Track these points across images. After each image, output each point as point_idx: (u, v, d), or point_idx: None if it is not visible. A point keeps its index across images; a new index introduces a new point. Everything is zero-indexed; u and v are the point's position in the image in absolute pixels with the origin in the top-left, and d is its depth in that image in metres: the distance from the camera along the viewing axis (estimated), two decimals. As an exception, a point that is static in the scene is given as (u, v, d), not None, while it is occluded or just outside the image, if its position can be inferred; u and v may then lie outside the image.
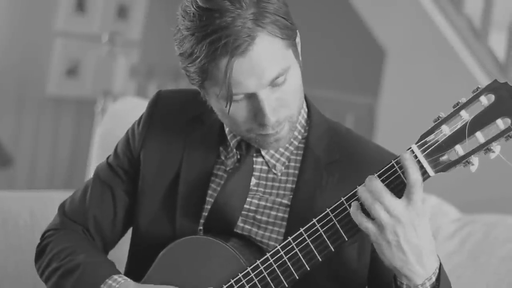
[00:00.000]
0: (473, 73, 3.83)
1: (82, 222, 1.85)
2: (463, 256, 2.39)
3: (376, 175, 1.56)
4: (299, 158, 1.76)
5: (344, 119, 4.36)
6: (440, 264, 1.59)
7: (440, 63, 3.94)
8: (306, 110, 1.78)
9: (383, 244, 1.53)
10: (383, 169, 1.56)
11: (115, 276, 1.71)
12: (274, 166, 1.75)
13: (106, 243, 1.86)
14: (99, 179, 1.85)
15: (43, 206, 2.52)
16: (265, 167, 1.75)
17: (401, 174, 1.55)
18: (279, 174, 1.75)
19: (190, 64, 1.62)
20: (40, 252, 1.85)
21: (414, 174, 1.52)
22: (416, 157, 1.54)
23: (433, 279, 1.56)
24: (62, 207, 1.89)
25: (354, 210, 1.56)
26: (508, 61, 3.85)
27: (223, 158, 1.78)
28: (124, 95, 3.96)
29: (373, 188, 1.53)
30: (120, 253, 1.98)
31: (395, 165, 1.55)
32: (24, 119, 5.48)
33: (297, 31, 1.67)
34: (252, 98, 1.62)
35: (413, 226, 1.52)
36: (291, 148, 1.76)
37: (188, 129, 1.80)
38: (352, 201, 1.57)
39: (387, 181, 1.55)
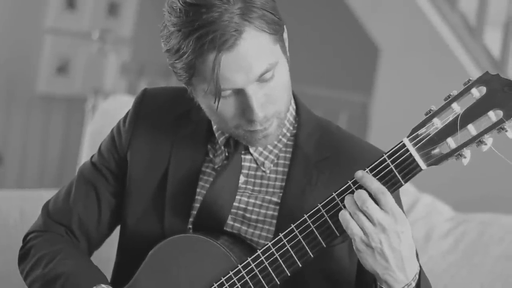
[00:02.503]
0: (468, 71, 3.83)
1: (66, 223, 1.83)
2: (457, 255, 2.39)
3: (367, 169, 1.56)
4: (288, 155, 1.75)
5: (338, 117, 4.35)
6: (421, 269, 1.60)
7: (435, 61, 3.93)
8: (295, 107, 1.78)
9: (366, 250, 1.54)
10: (374, 164, 1.56)
11: None
12: (263, 163, 1.74)
13: (91, 243, 1.85)
14: (83, 178, 1.84)
15: (33, 205, 2.50)
16: (253, 165, 1.75)
17: (393, 168, 1.54)
18: (268, 171, 1.74)
19: (177, 60, 1.61)
20: (24, 255, 1.83)
21: (373, 185, 1.53)
22: (407, 150, 1.53)
23: (413, 284, 1.57)
24: (45, 207, 1.88)
25: (343, 213, 1.55)
26: (503, 59, 3.84)
27: (211, 155, 1.77)
28: (114, 93, 3.96)
29: (358, 196, 1.54)
30: (109, 252, 1.96)
31: (386, 159, 1.55)
32: (13, 117, 5.47)
33: (285, 26, 1.66)
34: (240, 94, 1.61)
35: (397, 233, 1.53)
36: (280, 145, 1.74)
37: (175, 127, 1.79)
38: (344, 196, 1.56)
39: (378, 176, 1.55)
